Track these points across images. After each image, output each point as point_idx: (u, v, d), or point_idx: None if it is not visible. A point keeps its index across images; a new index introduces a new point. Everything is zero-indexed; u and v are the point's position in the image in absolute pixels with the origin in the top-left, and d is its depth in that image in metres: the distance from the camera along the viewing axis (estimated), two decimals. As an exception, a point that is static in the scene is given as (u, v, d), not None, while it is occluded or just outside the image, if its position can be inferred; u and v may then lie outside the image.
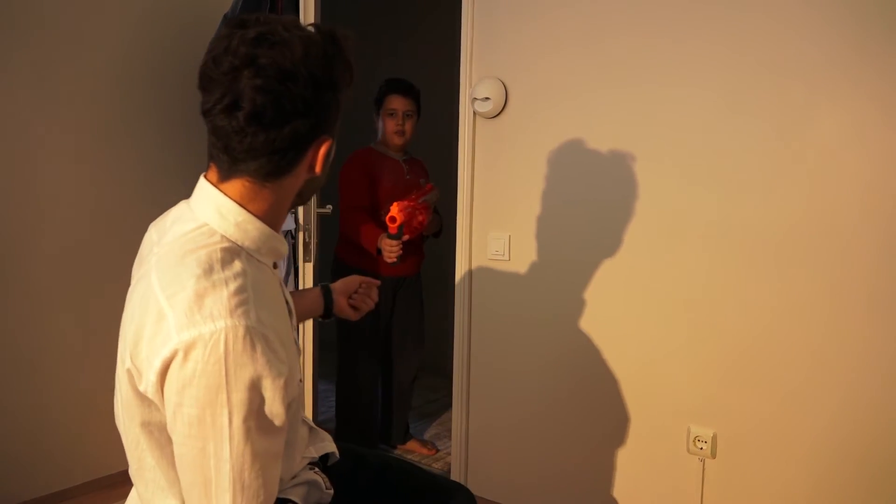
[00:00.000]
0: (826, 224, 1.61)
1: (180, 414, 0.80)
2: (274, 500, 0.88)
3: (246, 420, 0.80)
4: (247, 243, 0.90)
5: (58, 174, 2.15)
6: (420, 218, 2.32)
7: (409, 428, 2.79)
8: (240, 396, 0.79)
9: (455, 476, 2.27)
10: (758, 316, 1.70)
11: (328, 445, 1.18)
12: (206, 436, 0.80)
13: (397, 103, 2.50)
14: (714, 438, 1.78)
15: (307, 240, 2.30)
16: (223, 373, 0.78)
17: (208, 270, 0.82)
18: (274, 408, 0.82)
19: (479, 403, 2.24)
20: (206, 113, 0.87)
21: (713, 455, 1.78)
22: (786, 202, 1.65)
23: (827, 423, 1.63)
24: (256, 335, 0.80)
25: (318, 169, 0.93)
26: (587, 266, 1.98)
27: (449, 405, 2.35)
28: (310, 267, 2.31)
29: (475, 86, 2.14)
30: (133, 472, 0.96)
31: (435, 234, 2.65)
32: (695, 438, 1.80)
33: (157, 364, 0.79)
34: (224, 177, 0.90)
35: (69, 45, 2.15)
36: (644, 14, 1.84)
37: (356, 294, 1.41)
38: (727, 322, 1.75)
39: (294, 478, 1.07)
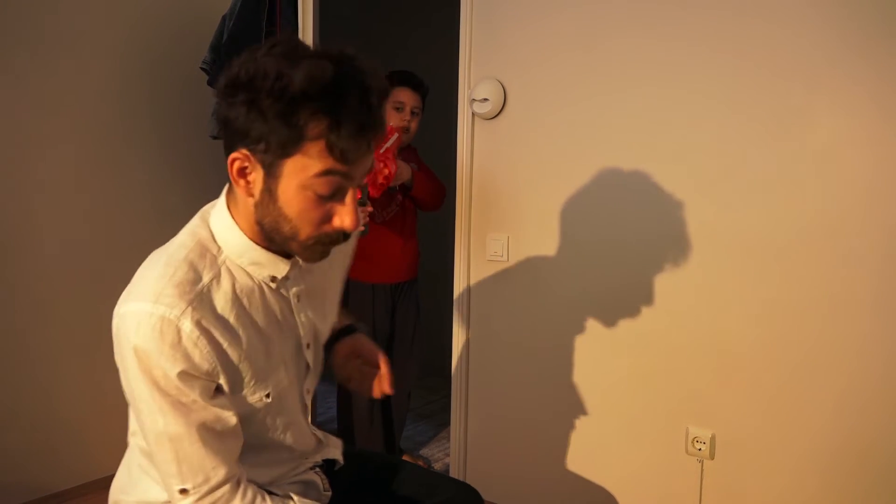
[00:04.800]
0: (826, 225, 1.61)
1: (125, 387, 0.88)
2: (229, 470, 0.89)
3: (165, 396, 0.84)
4: (227, 250, 0.92)
5: (60, 174, 2.15)
6: (386, 171, 2.07)
7: (399, 442, 2.57)
8: (153, 374, 0.83)
9: (454, 476, 2.28)
10: (757, 317, 1.71)
11: (331, 451, 1.18)
12: (141, 409, 0.86)
13: (406, 97, 2.32)
14: (713, 439, 1.78)
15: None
16: (132, 353, 0.83)
17: (172, 256, 0.88)
18: (187, 393, 0.85)
19: (477, 404, 2.24)
20: None
21: (712, 456, 1.78)
22: (786, 203, 1.65)
23: (826, 424, 1.63)
24: (169, 326, 0.82)
25: (236, 185, 0.86)
26: (585, 267, 1.98)
27: (448, 406, 2.35)
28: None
29: (474, 87, 2.14)
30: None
31: (407, 187, 2.33)
32: (693, 439, 1.80)
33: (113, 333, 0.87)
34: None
35: (69, 45, 2.15)
36: (643, 16, 1.84)
37: (358, 363, 1.18)
38: (726, 323, 1.75)
39: (294, 476, 1.08)
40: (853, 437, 1.60)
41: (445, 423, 3.03)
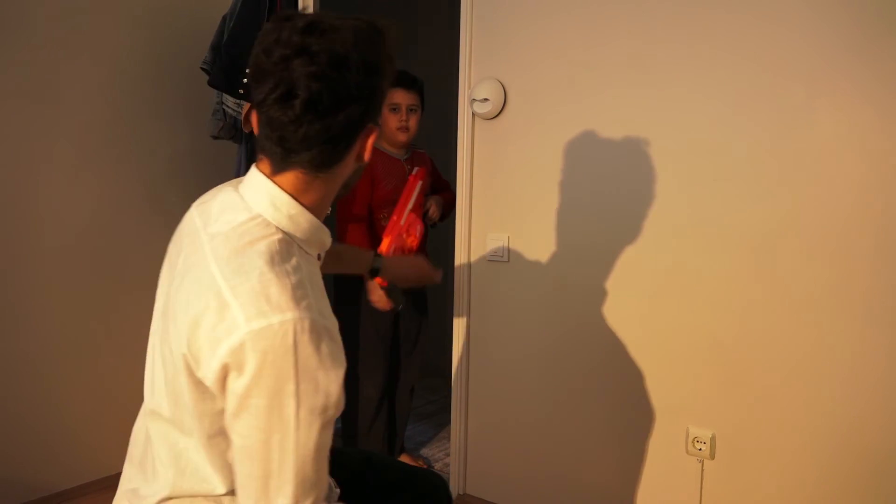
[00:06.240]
0: (825, 225, 1.61)
1: (247, 405, 0.80)
2: (326, 484, 0.88)
3: (312, 411, 0.81)
4: (298, 235, 0.91)
5: (61, 174, 2.16)
6: (411, 239, 2.10)
7: (401, 442, 2.60)
8: (307, 387, 0.80)
9: (454, 476, 2.28)
10: (757, 316, 1.71)
11: None
12: (272, 427, 0.80)
13: (401, 97, 2.35)
14: (713, 439, 1.78)
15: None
16: (292, 363, 0.79)
17: (270, 262, 0.83)
18: (334, 398, 0.83)
19: (477, 404, 2.24)
20: (259, 104, 0.87)
21: (712, 456, 1.78)
22: (785, 203, 1.66)
23: (826, 423, 1.63)
24: (321, 327, 0.82)
25: (366, 156, 0.94)
26: (586, 267, 1.98)
27: (448, 406, 2.35)
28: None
29: (474, 87, 2.14)
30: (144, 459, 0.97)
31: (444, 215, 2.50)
32: (693, 439, 1.80)
33: (221, 352, 0.80)
34: (277, 168, 0.91)
35: (69, 45, 2.15)
36: (643, 16, 1.84)
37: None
38: (726, 322, 1.75)
39: None
40: (853, 435, 1.60)
41: (445, 423, 3.03)
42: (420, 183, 2.25)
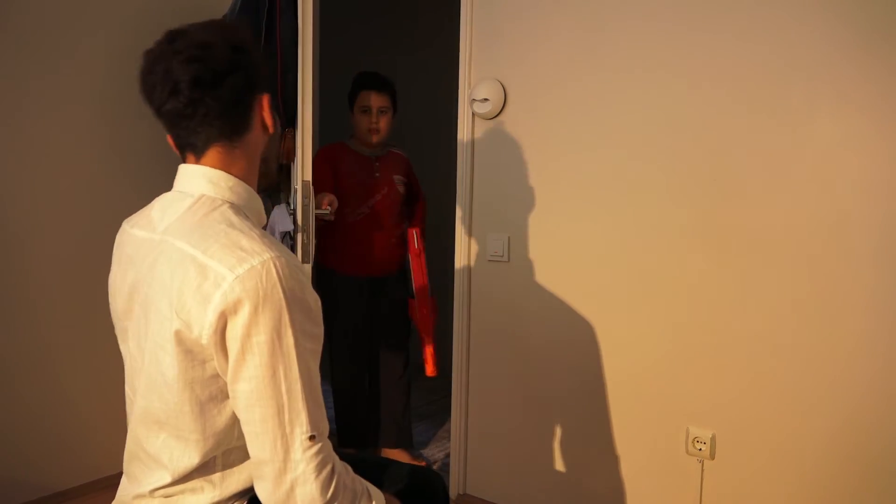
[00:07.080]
0: (824, 225, 1.61)
1: (249, 345, 0.85)
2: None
3: (305, 337, 0.88)
4: (241, 204, 0.99)
5: (61, 174, 2.16)
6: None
7: (399, 436, 2.58)
8: (298, 316, 0.87)
9: (454, 476, 2.28)
10: (757, 316, 1.71)
11: None
12: (275, 360, 0.85)
13: (371, 99, 2.42)
14: (713, 439, 1.78)
15: (305, 241, 2.29)
16: (282, 295, 0.85)
17: (229, 224, 0.91)
18: (320, 325, 0.91)
19: (477, 404, 2.24)
20: (159, 113, 0.96)
21: (712, 456, 1.78)
22: (785, 204, 1.66)
23: (826, 423, 1.63)
24: (294, 264, 0.89)
25: (269, 122, 1.02)
26: (586, 267, 1.98)
27: (448, 406, 2.35)
28: (308, 269, 2.31)
29: (474, 87, 2.14)
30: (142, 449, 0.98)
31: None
32: (693, 439, 1.80)
33: (215, 303, 0.84)
34: (198, 155, 0.98)
35: (68, 45, 2.15)
36: (643, 18, 1.84)
37: None
38: (727, 323, 1.75)
39: None
40: (854, 435, 1.60)
41: (445, 423, 3.04)
42: (422, 257, 2.46)
